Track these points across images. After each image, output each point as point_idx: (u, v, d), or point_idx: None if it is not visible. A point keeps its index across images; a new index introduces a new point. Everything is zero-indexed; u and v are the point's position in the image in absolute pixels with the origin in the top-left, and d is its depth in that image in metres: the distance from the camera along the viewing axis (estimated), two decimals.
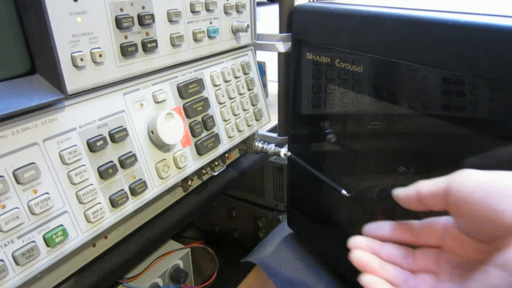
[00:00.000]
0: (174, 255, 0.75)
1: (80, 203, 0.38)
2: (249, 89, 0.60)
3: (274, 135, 0.68)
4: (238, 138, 0.58)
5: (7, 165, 0.33)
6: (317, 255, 0.58)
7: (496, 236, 0.24)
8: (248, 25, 0.56)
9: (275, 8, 0.60)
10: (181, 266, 0.76)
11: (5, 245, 0.33)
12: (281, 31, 0.59)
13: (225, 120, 0.56)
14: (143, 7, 0.42)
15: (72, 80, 0.37)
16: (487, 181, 0.25)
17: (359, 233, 0.35)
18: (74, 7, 0.36)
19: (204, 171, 0.58)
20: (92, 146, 0.39)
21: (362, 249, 0.33)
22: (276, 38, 0.60)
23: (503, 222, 0.23)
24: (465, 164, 0.34)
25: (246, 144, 0.62)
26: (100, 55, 0.39)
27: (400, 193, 0.32)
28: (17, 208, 0.33)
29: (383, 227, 0.34)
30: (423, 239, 0.32)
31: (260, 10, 0.81)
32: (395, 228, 0.34)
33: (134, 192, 0.43)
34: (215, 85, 0.54)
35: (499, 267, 0.24)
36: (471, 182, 0.26)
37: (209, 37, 0.52)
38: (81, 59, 0.37)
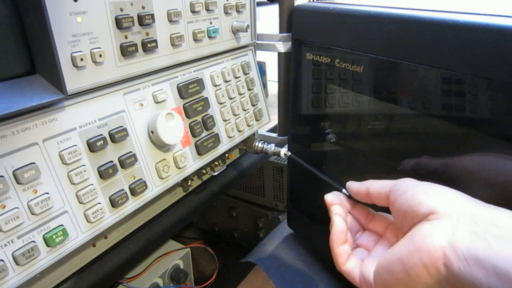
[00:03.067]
0: (174, 255, 0.75)
1: (80, 203, 0.38)
2: (249, 89, 0.60)
3: (274, 135, 0.68)
4: (238, 138, 0.58)
5: (7, 165, 0.33)
6: (317, 255, 0.58)
7: (414, 225, 0.31)
8: (248, 25, 0.56)
9: (275, 8, 0.60)
10: (181, 266, 0.76)
11: (5, 245, 0.33)
12: (281, 31, 0.59)
13: (225, 120, 0.56)
14: (143, 7, 0.42)
15: (72, 80, 0.37)
16: (416, 185, 0.33)
17: None
18: (74, 7, 0.36)
19: (204, 171, 0.58)
20: (92, 146, 0.39)
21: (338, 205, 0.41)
22: (276, 38, 0.60)
23: (418, 211, 0.31)
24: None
25: (246, 144, 0.62)
26: (100, 55, 0.39)
27: (353, 186, 0.40)
28: (17, 208, 0.33)
29: (347, 200, 0.42)
30: (372, 225, 0.41)
31: (260, 10, 0.81)
32: (355, 206, 0.42)
33: (134, 192, 0.43)
34: (215, 85, 0.54)
35: (406, 238, 0.31)
36: (406, 185, 0.34)
37: (209, 37, 0.52)
38: (81, 59, 0.37)
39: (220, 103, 0.55)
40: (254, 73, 0.61)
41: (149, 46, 0.43)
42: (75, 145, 0.38)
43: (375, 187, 0.37)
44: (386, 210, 0.37)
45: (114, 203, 0.41)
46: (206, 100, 0.52)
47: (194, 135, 0.51)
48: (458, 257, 0.26)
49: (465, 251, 0.26)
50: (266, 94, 1.04)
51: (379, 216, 0.41)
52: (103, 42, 0.39)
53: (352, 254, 0.38)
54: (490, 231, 0.26)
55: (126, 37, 0.41)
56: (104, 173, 0.40)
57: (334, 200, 0.42)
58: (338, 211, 0.40)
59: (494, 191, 0.33)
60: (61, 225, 0.37)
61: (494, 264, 0.25)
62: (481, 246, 0.26)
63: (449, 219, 0.29)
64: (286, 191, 0.78)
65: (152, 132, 0.44)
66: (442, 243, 0.27)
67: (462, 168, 0.35)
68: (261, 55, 0.68)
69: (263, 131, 0.71)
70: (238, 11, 0.56)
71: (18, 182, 0.33)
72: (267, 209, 0.93)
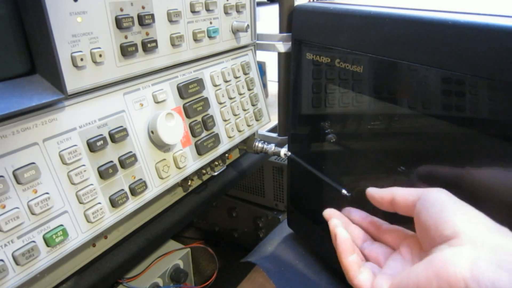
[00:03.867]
0: (174, 255, 0.75)
1: (80, 203, 0.38)
2: (249, 89, 0.60)
3: (274, 135, 0.68)
4: (238, 138, 0.58)
5: (7, 165, 0.33)
6: (317, 255, 0.58)
7: (435, 245, 0.30)
8: (248, 25, 0.56)
9: (275, 8, 0.60)
10: (181, 266, 0.76)
11: (5, 245, 0.33)
12: (281, 31, 0.59)
13: (225, 120, 0.56)
14: (143, 7, 0.42)
15: (72, 80, 0.37)
16: (446, 200, 0.31)
17: None
18: (74, 7, 0.36)
19: (204, 171, 0.58)
20: (92, 146, 0.39)
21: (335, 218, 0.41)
22: (276, 38, 0.60)
23: (442, 231, 0.29)
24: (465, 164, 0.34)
25: (246, 144, 0.62)
26: (100, 55, 0.39)
27: (376, 192, 0.37)
28: (17, 208, 0.33)
29: (357, 213, 0.42)
30: (385, 238, 0.39)
31: (260, 10, 0.81)
32: (366, 219, 0.41)
33: (134, 192, 0.43)
34: (215, 85, 0.54)
35: (426, 262, 0.29)
36: (436, 197, 0.32)
37: (209, 37, 0.52)
38: (81, 59, 0.37)
39: (220, 103, 0.55)
40: (254, 73, 0.61)
41: (149, 46, 0.43)
42: (75, 145, 0.38)
43: (402, 194, 0.35)
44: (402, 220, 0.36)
45: (114, 203, 0.41)
46: (206, 100, 0.52)
47: (194, 135, 0.51)
48: None
49: (489, 284, 0.25)
50: (266, 94, 1.04)
51: (394, 229, 0.39)
52: (103, 42, 0.39)
53: (363, 267, 0.37)
54: None
55: (126, 37, 0.41)
56: (104, 173, 0.40)
57: (332, 214, 0.41)
58: (337, 223, 0.39)
59: None
60: (61, 225, 0.37)
61: None
62: (506, 280, 0.25)
63: (473, 247, 0.27)
64: (286, 191, 0.78)
65: (152, 132, 0.44)
66: (464, 274, 0.26)
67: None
68: (261, 55, 0.67)
69: (263, 131, 0.71)
70: (238, 11, 0.56)
71: (18, 182, 0.33)
72: (267, 209, 0.93)
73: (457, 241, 0.28)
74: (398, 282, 0.31)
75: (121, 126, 0.42)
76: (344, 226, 0.40)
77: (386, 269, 0.36)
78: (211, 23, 0.52)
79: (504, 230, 0.28)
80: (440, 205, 0.31)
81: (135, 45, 0.42)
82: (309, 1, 0.72)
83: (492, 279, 0.25)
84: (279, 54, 0.60)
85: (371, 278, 0.35)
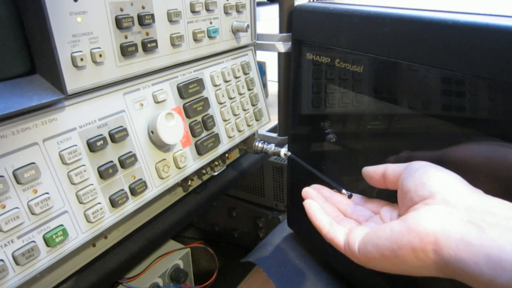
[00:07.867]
0: (174, 255, 0.75)
1: (80, 203, 0.38)
2: (249, 89, 0.60)
3: (274, 135, 0.68)
4: (238, 138, 0.58)
5: (7, 165, 0.33)
6: (317, 255, 0.58)
7: (412, 205, 0.31)
8: (248, 25, 0.56)
9: (275, 8, 0.60)
10: (181, 266, 0.76)
11: (5, 245, 0.33)
12: (281, 31, 0.59)
13: (225, 120, 0.56)
14: (143, 7, 0.42)
15: (72, 80, 0.37)
16: (429, 166, 0.33)
17: None
18: (74, 7, 0.36)
19: (204, 171, 0.58)
20: (92, 146, 0.39)
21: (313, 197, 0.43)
22: (276, 38, 0.60)
23: (420, 191, 0.31)
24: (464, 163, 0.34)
25: (246, 144, 0.62)
26: (100, 55, 0.39)
27: (370, 168, 0.39)
28: (17, 208, 0.33)
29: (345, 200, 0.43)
30: (366, 206, 0.41)
31: (260, 10, 0.81)
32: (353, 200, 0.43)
33: (134, 192, 0.43)
34: (215, 85, 0.54)
35: (400, 219, 0.31)
36: (420, 164, 0.34)
37: (209, 37, 0.52)
38: (81, 59, 0.37)
39: (220, 103, 0.55)
40: (254, 73, 0.61)
41: (149, 46, 0.43)
42: (75, 145, 0.38)
43: (392, 167, 0.37)
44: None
45: (114, 203, 0.41)
46: (206, 100, 0.52)
47: (194, 135, 0.51)
48: (449, 244, 0.26)
49: (458, 238, 0.26)
50: (266, 94, 1.04)
51: (376, 199, 0.41)
52: (103, 42, 0.39)
53: (339, 224, 0.39)
54: (486, 219, 0.26)
55: (126, 37, 0.41)
56: (104, 173, 0.40)
57: (307, 194, 0.43)
58: (309, 201, 0.42)
59: (497, 183, 0.32)
60: (61, 225, 0.37)
61: (487, 251, 0.24)
62: (475, 234, 0.26)
63: (446, 206, 0.29)
64: (286, 191, 0.78)
65: (152, 132, 0.44)
66: (435, 228, 0.27)
67: (464, 161, 0.34)
68: (261, 55, 0.68)
69: (263, 131, 0.71)
70: (238, 11, 0.56)
71: (18, 182, 0.33)
72: (267, 209, 0.93)
73: (432, 200, 0.30)
74: (372, 234, 0.32)
75: (121, 126, 0.42)
76: (324, 199, 0.43)
77: (364, 224, 0.38)
78: (211, 23, 0.52)
79: (478, 192, 0.30)
80: (422, 169, 0.33)
81: (135, 45, 0.42)
82: (309, 1, 0.72)
83: (462, 232, 0.26)
84: (279, 54, 0.60)
85: (346, 231, 0.37)
